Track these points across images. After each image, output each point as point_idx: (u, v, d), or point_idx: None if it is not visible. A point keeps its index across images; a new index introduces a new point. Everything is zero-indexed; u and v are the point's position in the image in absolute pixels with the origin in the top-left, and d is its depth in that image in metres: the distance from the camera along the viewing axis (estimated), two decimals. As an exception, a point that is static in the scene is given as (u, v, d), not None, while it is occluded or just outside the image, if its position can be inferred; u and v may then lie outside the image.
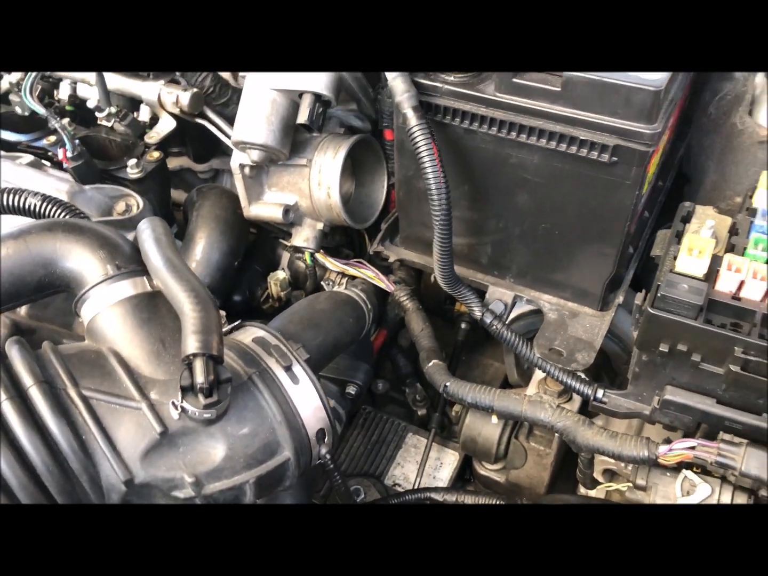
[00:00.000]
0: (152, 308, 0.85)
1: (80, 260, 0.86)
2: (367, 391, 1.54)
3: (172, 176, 1.58)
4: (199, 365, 0.73)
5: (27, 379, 0.75)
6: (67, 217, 1.03)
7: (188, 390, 0.75)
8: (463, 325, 1.51)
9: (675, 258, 0.94)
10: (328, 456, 0.88)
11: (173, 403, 0.76)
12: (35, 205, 1.05)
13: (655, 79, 0.93)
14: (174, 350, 0.81)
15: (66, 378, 0.77)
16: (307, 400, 0.84)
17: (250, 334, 0.90)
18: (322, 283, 1.43)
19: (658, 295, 0.91)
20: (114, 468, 0.73)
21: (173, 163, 1.59)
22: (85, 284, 0.86)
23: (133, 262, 0.87)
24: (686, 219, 1.01)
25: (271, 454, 0.81)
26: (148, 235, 0.87)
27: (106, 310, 0.84)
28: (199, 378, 0.73)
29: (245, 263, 1.51)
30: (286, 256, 1.52)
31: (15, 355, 0.77)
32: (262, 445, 0.80)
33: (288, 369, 0.84)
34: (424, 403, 1.51)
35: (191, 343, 0.74)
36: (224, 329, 0.91)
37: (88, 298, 0.85)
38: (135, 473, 0.74)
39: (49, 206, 1.04)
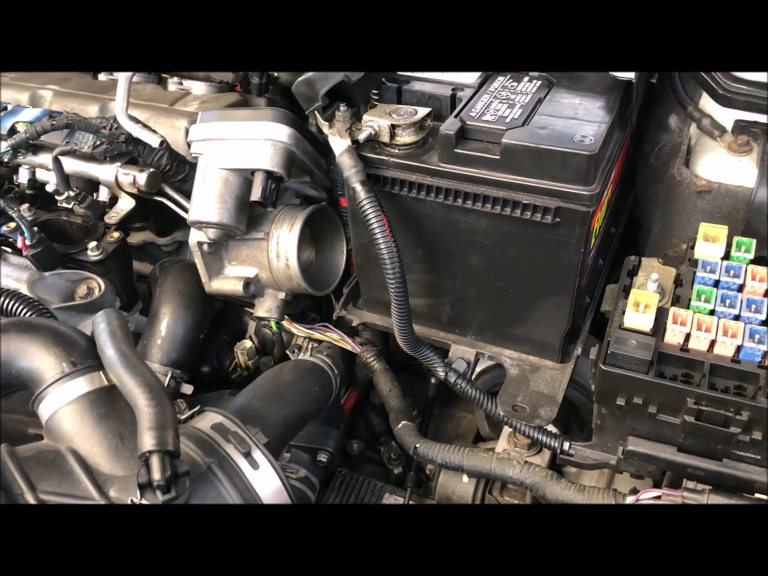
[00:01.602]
0: (109, 403, 0.85)
1: (35, 359, 0.86)
2: (342, 453, 1.54)
3: (135, 250, 1.59)
4: (155, 462, 0.74)
5: (-18, 488, 0.74)
6: (25, 310, 1.03)
7: (146, 487, 0.75)
8: (432, 380, 1.53)
9: (623, 312, 0.97)
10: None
11: (132, 501, 0.75)
12: (-8, 300, 1.05)
13: (589, 143, 0.97)
14: (132, 444, 0.81)
15: (23, 483, 0.77)
16: (268, 484, 0.85)
17: (208, 420, 0.90)
18: (287, 351, 1.44)
19: (609, 352, 0.93)
20: (74, 573, 0.72)
21: (136, 237, 1.61)
22: (41, 383, 0.86)
23: (89, 357, 0.88)
24: (632, 272, 1.04)
25: (234, 543, 0.80)
26: (102, 328, 0.88)
27: (63, 407, 0.84)
28: (156, 475, 0.73)
29: (212, 333, 1.52)
30: (252, 325, 1.54)
31: (-30, 464, 0.77)
32: (225, 534, 0.80)
33: (247, 455, 0.84)
34: (399, 462, 1.51)
35: (147, 440, 0.74)
36: (184, 416, 0.91)
37: (45, 397, 0.85)
38: None
39: (7, 300, 1.05)
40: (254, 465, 0.84)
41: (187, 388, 1.36)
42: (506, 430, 1.30)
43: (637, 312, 0.94)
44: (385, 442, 1.54)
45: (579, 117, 1.03)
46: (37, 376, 0.86)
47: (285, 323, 1.40)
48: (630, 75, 1.06)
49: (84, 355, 0.87)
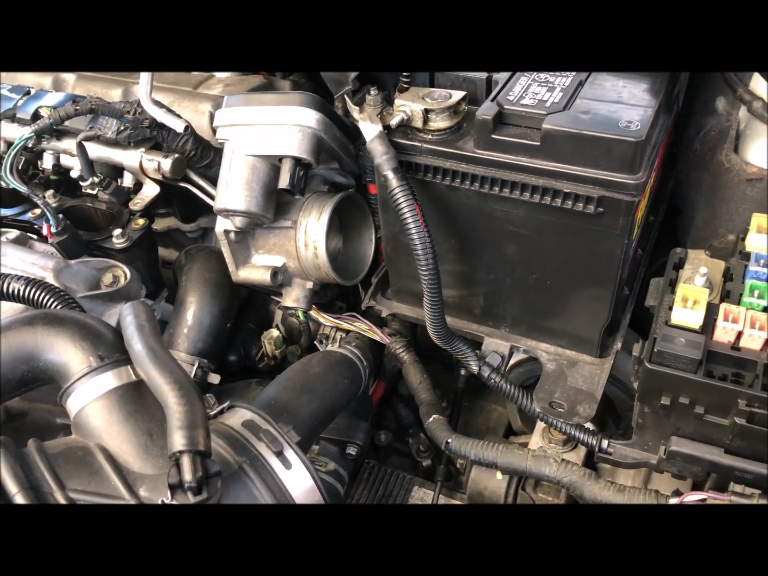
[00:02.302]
0: (138, 399, 0.83)
1: (62, 353, 0.84)
2: (370, 444, 1.51)
3: (160, 237, 1.57)
4: (186, 462, 0.71)
5: (12, 487, 0.73)
6: (51, 300, 1.01)
7: (177, 487, 0.72)
8: (462, 372, 1.49)
9: (670, 308, 0.92)
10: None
11: (163, 502, 0.73)
12: (19, 290, 1.03)
13: (635, 129, 0.92)
14: (162, 441, 0.79)
15: (52, 481, 0.75)
16: (301, 483, 0.82)
17: (239, 417, 0.88)
18: (315, 342, 1.41)
19: (655, 350, 0.89)
20: (105, 575, 0.71)
21: (161, 224, 1.59)
22: (69, 377, 0.84)
23: (116, 351, 0.85)
24: (678, 265, 0.99)
25: (267, 544, 0.78)
26: (130, 321, 0.85)
27: (91, 403, 0.82)
28: (187, 476, 0.71)
29: (239, 322, 1.49)
30: (279, 313, 1.51)
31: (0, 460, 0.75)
32: (257, 536, 0.77)
33: (279, 454, 0.82)
34: (428, 454, 1.48)
35: (177, 440, 0.72)
36: (213, 411, 0.89)
37: (72, 392, 0.83)
38: (126, 578, 0.72)
39: (33, 290, 1.03)
40: (287, 464, 0.81)
41: (214, 378, 1.34)
42: (540, 425, 1.27)
43: (686, 308, 0.89)
44: (414, 434, 1.51)
45: (623, 101, 0.98)
46: (65, 370, 0.84)
47: (312, 313, 1.38)
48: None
49: (111, 349, 0.85)
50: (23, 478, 0.74)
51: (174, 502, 0.73)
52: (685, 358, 0.87)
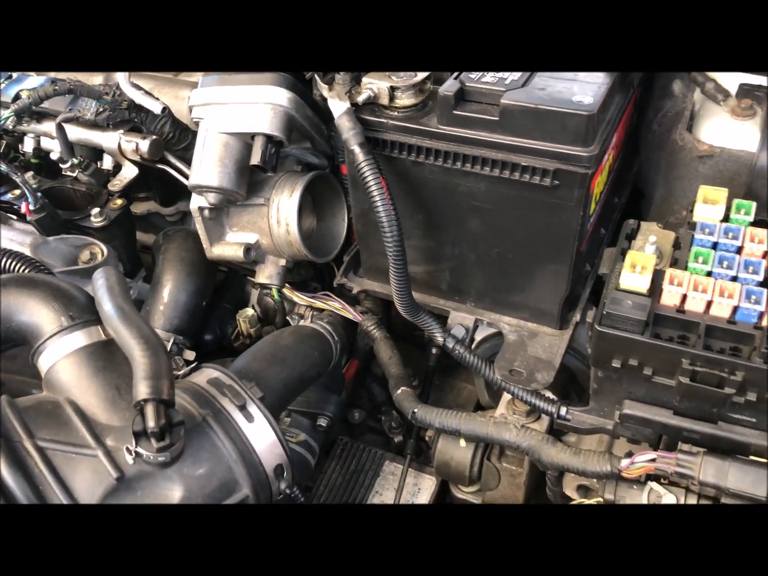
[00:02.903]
0: (107, 356, 0.86)
1: (34, 313, 0.88)
2: (343, 422, 1.55)
3: (140, 221, 1.60)
4: (150, 410, 0.75)
5: (-19, 436, 0.76)
6: (26, 269, 1.05)
7: (141, 435, 0.76)
8: (433, 350, 1.52)
9: (620, 274, 0.96)
10: (289, 491, 0.89)
11: (127, 449, 0.77)
12: (-5, 260, 1.07)
13: (587, 103, 0.96)
14: (130, 396, 0.82)
15: (21, 430, 0.78)
16: (263, 437, 0.86)
17: (205, 375, 0.91)
18: (289, 317, 1.44)
19: (604, 312, 0.93)
20: (70, 517, 0.74)
21: (140, 207, 1.62)
22: (40, 336, 0.87)
23: (87, 312, 0.89)
24: (631, 236, 1.04)
25: (229, 492, 0.82)
26: (101, 284, 0.89)
27: (61, 360, 0.85)
28: (151, 423, 0.74)
29: (215, 302, 1.53)
30: (255, 293, 1.54)
31: (-30, 412, 0.78)
32: (219, 484, 0.81)
33: (242, 408, 0.85)
34: (399, 430, 1.52)
35: (142, 389, 0.75)
36: (181, 371, 0.92)
37: (44, 350, 0.87)
38: (92, 521, 0.75)
39: (8, 260, 1.06)
40: (249, 418, 0.85)
41: (189, 354, 1.37)
42: (505, 397, 1.31)
43: (634, 273, 0.94)
44: (386, 412, 1.55)
45: (579, 79, 1.02)
46: (37, 329, 0.87)
47: (287, 292, 1.41)
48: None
49: (82, 310, 0.89)
50: (-7, 429, 0.77)
51: (138, 449, 0.76)
52: (633, 319, 0.91)
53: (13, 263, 1.04)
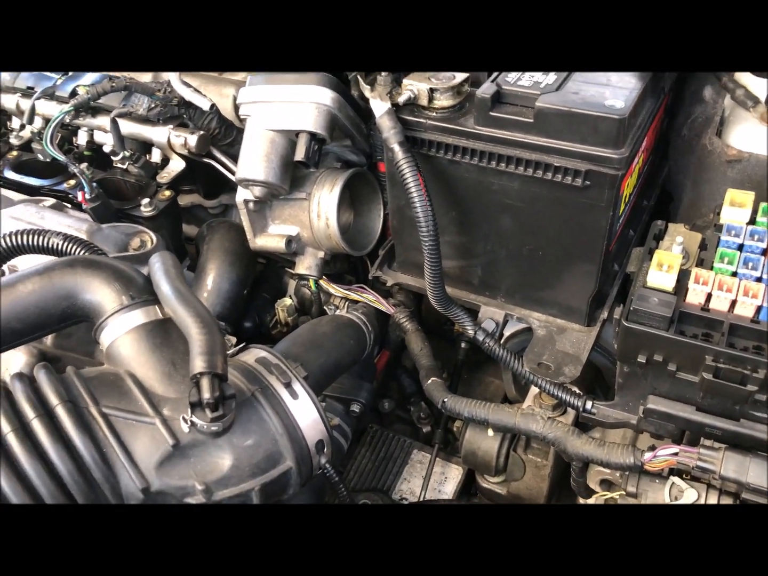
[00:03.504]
0: (163, 333, 0.93)
1: (98, 292, 0.94)
2: (374, 411, 1.61)
3: (184, 212, 1.68)
4: (205, 383, 0.81)
5: (53, 399, 0.83)
6: (86, 254, 1.12)
7: (197, 405, 0.82)
8: (462, 345, 1.58)
9: (647, 273, 1.00)
10: (329, 466, 0.95)
11: (183, 418, 0.83)
12: (57, 244, 1.14)
13: (619, 107, 1.00)
14: (184, 371, 0.89)
15: (88, 398, 0.85)
16: (306, 413, 0.92)
17: (253, 355, 0.98)
18: (325, 307, 1.51)
19: (631, 308, 0.97)
20: (132, 477, 0.81)
21: (185, 200, 1.69)
22: (103, 314, 0.94)
23: (145, 293, 0.96)
24: (658, 237, 1.08)
25: (274, 463, 0.88)
26: (158, 267, 0.96)
27: (122, 336, 0.92)
28: (206, 394, 0.81)
29: (254, 292, 1.60)
30: (292, 284, 1.61)
31: (42, 378, 0.86)
32: (266, 455, 0.87)
33: (288, 386, 0.91)
34: (428, 420, 1.57)
35: (198, 363, 0.82)
36: (231, 351, 0.99)
37: (106, 326, 0.93)
38: (151, 482, 0.82)
39: (70, 245, 1.13)
40: (294, 395, 0.91)
41: (231, 339, 1.44)
42: (533, 391, 1.35)
43: (660, 271, 0.98)
44: (415, 402, 1.60)
45: (611, 84, 1.07)
46: (99, 307, 0.94)
47: (323, 283, 1.48)
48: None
49: (141, 291, 0.95)
50: (63, 393, 0.84)
51: (193, 419, 0.82)
52: (658, 316, 0.95)
53: (75, 247, 1.11)
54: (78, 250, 1.14)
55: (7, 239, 1.08)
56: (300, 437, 0.90)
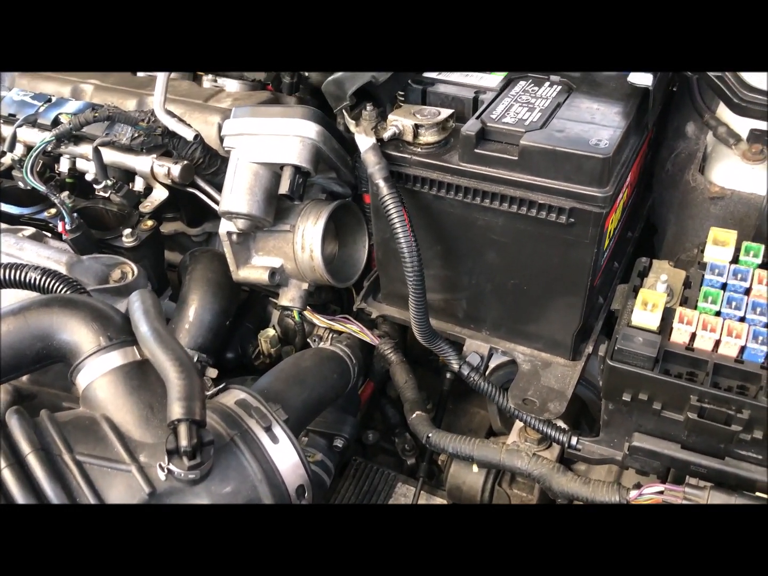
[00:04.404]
0: (141, 376, 0.91)
1: (75, 333, 0.92)
2: (357, 442, 1.59)
3: (166, 240, 1.66)
4: (183, 430, 0.79)
5: (25, 447, 0.81)
6: (64, 289, 1.10)
7: (174, 453, 0.80)
8: (447, 375, 1.56)
9: (632, 311, 1.00)
10: (309, 511, 0.93)
11: (160, 465, 0.81)
12: (35, 279, 1.12)
13: (603, 147, 1.01)
14: (162, 415, 0.87)
15: (61, 444, 0.83)
16: (287, 458, 0.90)
17: (233, 396, 0.96)
18: (309, 339, 1.49)
19: (616, 348, 0.97)
20: (105, 529, 0.78)
21: (168, 227, 1.68)
22: (79, 355, 0.92)
23: (123, 333, 0.94)
24: (643, 273, 1.08)
25: (253, 510, 0.86)
26: (137, 307, 0.94)
27: (99, 378, 0.90)
28: (183, 442, 0.79)
29: (237, 321, 1.57)
30: (276, 314, 1.59)
31: (14, 424, 0.83)
32: (245, 502, 0.85)
33: (268, 429, 0.90)
34: (412, 453, 1.55)
35: (176, 409, 0.80)
36: (209, 392, 0.97)
37: (82, 368, 0.91)
38: (125, 533, 0.79)
39: (48, 279, 1.11)
40: (274, 439, 0.89)
41: (212, 372, 1.42)
42: (517, 424, 1.34)
43: (645, 311, 0.97)
44: (400, 434, 1.59)
45: (596, 122, 1.07)
46: (76, 348, 0.92)
47: (307, 314, 1.46)
48: (647, 82, 1.09)
49: (119, 331, 0.93)
50: (35, 440, 0.82)
51: (170, 467, 0.80)
52: (643, 356, 0.95)
53: (53, 282, 1.09)
54: (56, 284, 1.12)
55: (-16, 274, 1.07)
56: (280, 482, 0.88)
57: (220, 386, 0.98)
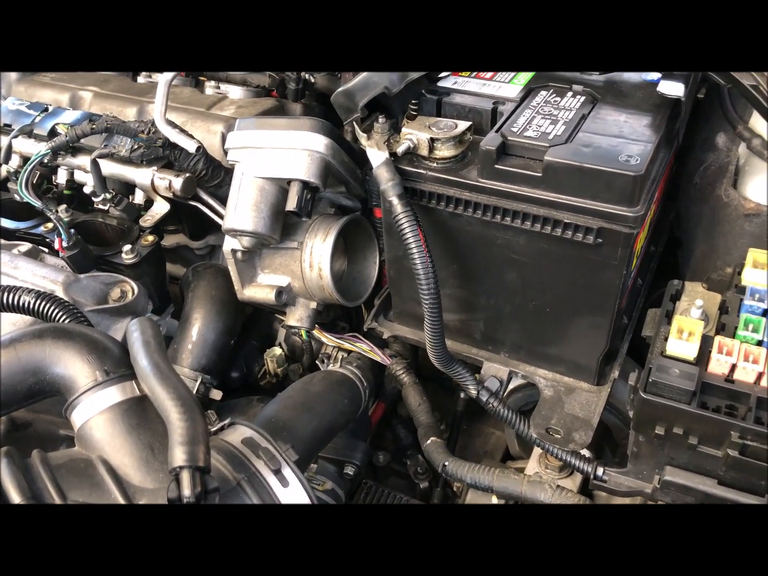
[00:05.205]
0: (141, 413, 0.85)
1: (70, 366, 0.86)
2: (367, 464, 1.52)
3: (168, 252, 1.59)
4: (186, 478, 0.73)
5: (15, 497, 0.74)
6: (60, 314, 1.04)
7: (176, 502, 0.74)
8: (462, 395, 1.50)
9: (666, 339, 0.94)
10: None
11: (161, 516, 0.75)
12: (29, 303, 1.06)
13: (635, 164, 0.94)
14: (163, 456, 0.81)
15: (54, 492, 0.77)
16: (297, 502, 0.84)
17: (239, 434, 0.89)
18: (317, 361, 1.43)
19: (650, 380, 0.90)
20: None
21: (170, 240, 1.61)
22: (74, 390, 0.86)
23: (122, 366, 0.88)
24: (675, 297, 1.01)
25: (262, 561, 0.79)
26: (136, 338, 0.87)
27: (95, 416, 0.84)
28: (186, 491, 0.72)
29: (242, 339, 1.52)
30: (282, 331, 1.53)
31: (4, 471, 0.77)
32: (253, 552, 0.79)
33: (277, 472, 0.83)
34: (425, 476, 1.49)
35: (178, 455, 0.74)
36: (214, 428, 0.90)
37: (77, 405, 0.85)
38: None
39: (43, 303, 1.05)
40: (284, 482, 0.83)
41: (216, 394, 1.36)
42: (537, 450, 1.28)
43: (681, 339, 0.91)
44: (412, 456, 1.52)
45: (624, 135, 1.00)
46: (71, 383, 0.86)
47: (315, 332, 1.40)
48: (678, 92, 1.03)
49: (117, 364, 0.87)
50: (26, 487, 0.75)
51: (172, 517, 0.74)
52: (679, 389, 0.88)
53: (48, 306, 1.03)
54: (51, 309, 1.06)
55: (-25, 298, 1.01)
56: (291, 529, 0.82)
57: (225, 422, 0.91)
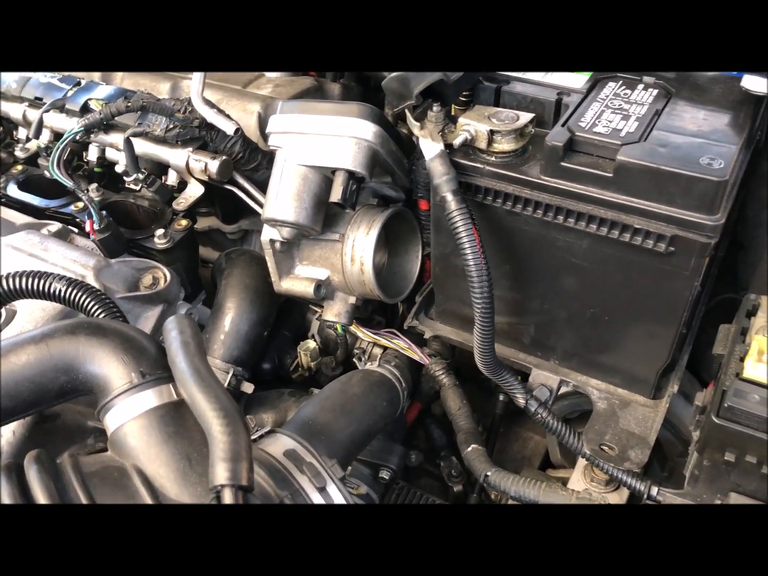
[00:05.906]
0: (178, 420, 0.79)
1: (104, 365, 0.81)
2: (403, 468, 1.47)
3: (200, 236, 1.54)
4: (228, 497, 0.68)
5: (45, 506, 0.70)
6: (93, 304, 0.98)
7: (216, 521, 0.69)
8: (501, 397, 1.44)
9: (741, 359, 0.86)
10: None
11: (199, 534, 0.70)
12: (60, 290, 1.01)
13: (718, 168, 0.86)
14: (200, 468, 0.76)
15: (86, 502, 0.72)
16: (343, 522, 0.78)
17: (281, 445, 0.84)
18: (354, 359, 1.37)
19: (725, 405, 0.83)
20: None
21: (202, 223, 1.56)
22: (108, 391, 0.81)
23: (159, 368, 0.82)
24: (751, 313, 0.93)
25: (304, 584, 0.74)
26: (174, 337, 0.82)
27: (130, 422, 0.79)
28: (228, 512, 0.67)
29: (274, 329, 1.46)
30: (315, 323, 1.48)
31: (32, 477, 0.72)
32: (295, 575, 0.74)
33: (322, 490, 0.78)
34: (460, 479, 1.43)
35: (220, 473, 0.68)
36: (254, 436, 0.85)
37: (111, 408, 0.80)
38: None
39: (74, 291, 1.00)
40: (329, 500, 0.77)
41: (248, 387, 1.31)
42: (581, 461, 1.21)
43: (761, 362, 0.84)
44: (446, 457, 1.47)
45: (704, 135, 0.92)
46: (105, 383, 0.81)
47: (351, 327, 1.34)
48: (764, 89, 0.94)
49: (154, 365, 0.82)
50: (56, 495, 0.71)
51: (212, 536, 0.69)
52: (758, 416, 0.81)
53: (79, 294, 0.97)
54: (83, 298, 1.00)
55: (7, 282, 0.96)
56: (335, 551, 0.77)
57: (265, 429, 0.86)
